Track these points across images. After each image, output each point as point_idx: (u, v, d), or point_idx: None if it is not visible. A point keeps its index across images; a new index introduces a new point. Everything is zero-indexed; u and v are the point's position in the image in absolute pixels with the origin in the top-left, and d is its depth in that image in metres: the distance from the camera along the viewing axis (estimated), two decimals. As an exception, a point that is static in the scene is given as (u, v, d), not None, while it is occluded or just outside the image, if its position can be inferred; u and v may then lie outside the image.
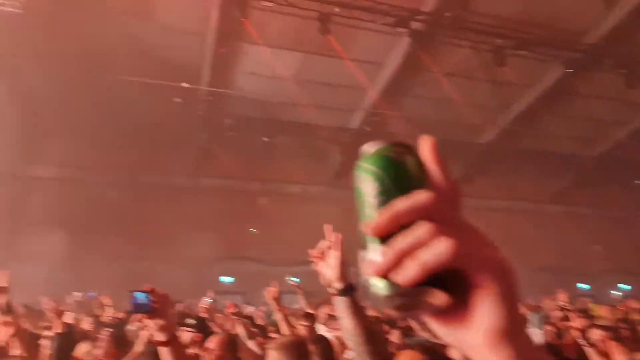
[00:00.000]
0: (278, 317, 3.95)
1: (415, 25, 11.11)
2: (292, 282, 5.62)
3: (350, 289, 1.74)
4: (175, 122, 13.08)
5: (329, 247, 1.79)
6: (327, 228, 1.83)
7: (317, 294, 5.75)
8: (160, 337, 1.73)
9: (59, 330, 3.36)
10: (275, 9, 10.68)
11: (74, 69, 10.87)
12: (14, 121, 10.69)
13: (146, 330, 3.76)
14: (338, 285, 1.74)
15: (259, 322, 6.35)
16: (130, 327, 4.55)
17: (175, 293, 6.47)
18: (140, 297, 1.72)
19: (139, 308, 1.72)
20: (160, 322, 1.72)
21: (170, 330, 1.75)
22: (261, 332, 5.00)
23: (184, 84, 12.29)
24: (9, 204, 12.12)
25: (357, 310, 1.71)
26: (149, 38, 11.39)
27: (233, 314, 4.72)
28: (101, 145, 12.68)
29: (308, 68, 12.62)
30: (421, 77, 12.58)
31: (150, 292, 1.73)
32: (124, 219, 12.86)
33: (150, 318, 1.72)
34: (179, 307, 6.99)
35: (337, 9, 10.57)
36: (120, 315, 5.55)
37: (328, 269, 1.77)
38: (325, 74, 12.66)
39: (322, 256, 1.80)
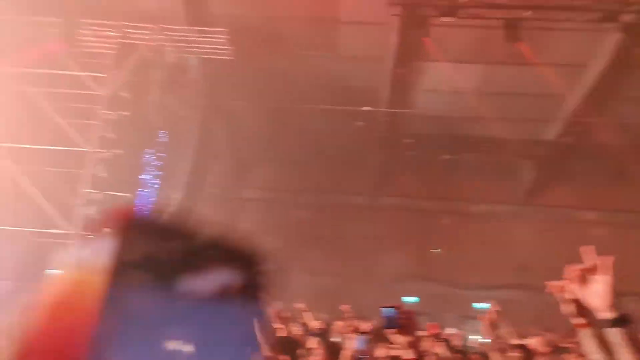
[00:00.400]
0: (491, 344, 3.65)
1: (627, 17, 9.53)
2: (490, 309, 5.16)
3: (627, 320, 1.46)
4: (357, 144, 13.71)
5: (592, 271, 1.54)
6: (586, 249, 1.58)
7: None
8: (409, 354, 1.70)
9: (284, 334, 3.70)
10: (457, 23, 10.38)
11: (275, 103, 12.30)
12: (229, 153, 12.63)
13: (352, 343, 3.89)
14: (609, 314, 1.48)
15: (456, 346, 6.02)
16: (334, 338, 4.78)
17: (363, 310, 6.64)
18: (389, 313, 1.72)
19: (389, 324, 1.72)
20: (410, 338, 1.69)
21: (418, 348, 1.71)
22: (462, 357, 4.71)
23: (366, 108, 12.80)
24: (224, 222, 14.25)
25: (638, 344, 1.43)
26: (334, 69, 12.26)
27: (434, 335, 4.56)
28: (296, 169, 14.00)
29: (492, 79, 11.90)
30: (637, 76, 10.68)
31: (397, 308, 1.72)
32: (317, 237, 13.85)
33: (399, 334, 1.71)
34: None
35: (527, 13, 9.75)
36: (322, 326, 5.90)
37: (593, 296, 1.52)
38: (512, 83, 11.75)
39: (581, 281, 1.56)
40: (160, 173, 12.24)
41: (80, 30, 10.91)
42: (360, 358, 3.73)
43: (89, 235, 0.78)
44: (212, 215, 13.73)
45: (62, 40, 10.93)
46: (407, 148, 14.13)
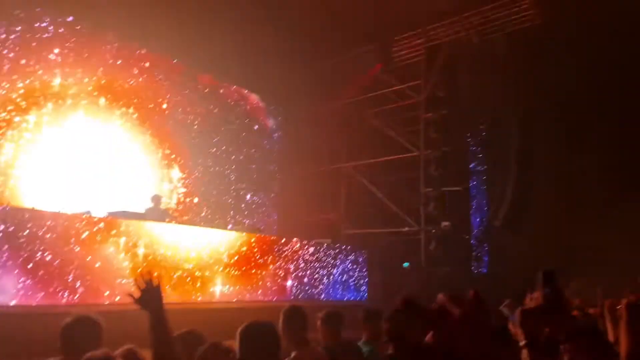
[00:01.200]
0: None
1: None
2: None
3: None
4: None
5: None
6: None
7: None
8: None
9: None
10: None
11: (603, 57, 10.38)
12: (556, 123, 11.42)
13: None
14: None
15: None
16: None
17: None
18: None
19: None
20: None
21: None
22: None
23: None
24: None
25: None
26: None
27: None
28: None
29: None
30: None
31: None
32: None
33: None
34: None
35: None
36: None
37: None
38: None
39: None
40: (486, 160, 12.17)
41: (392, 48, 11.95)
42: None
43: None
44: (548, 192, 12.68)
45: (379, 62, 12.24)
46: None
